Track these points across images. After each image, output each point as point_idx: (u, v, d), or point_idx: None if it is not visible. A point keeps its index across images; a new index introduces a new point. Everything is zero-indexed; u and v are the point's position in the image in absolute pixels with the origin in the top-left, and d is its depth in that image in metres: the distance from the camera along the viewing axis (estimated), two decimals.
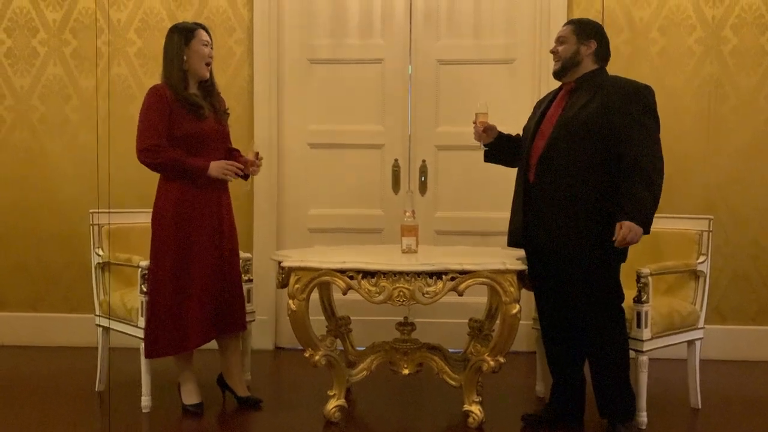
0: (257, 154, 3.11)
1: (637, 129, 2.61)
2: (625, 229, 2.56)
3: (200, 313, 2.96)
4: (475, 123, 2.94)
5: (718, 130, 3.97)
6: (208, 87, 3.09)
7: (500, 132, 2.98)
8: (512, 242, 2.88)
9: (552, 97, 2.87)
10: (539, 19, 4.03)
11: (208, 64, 3.03)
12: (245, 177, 3.14)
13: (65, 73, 4.20)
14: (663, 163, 2.64)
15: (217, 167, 2.96)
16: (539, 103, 2.98)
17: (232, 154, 3.17)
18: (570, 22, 2.85)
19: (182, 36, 2.99)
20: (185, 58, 2.98)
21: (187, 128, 2.95)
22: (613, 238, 2.59)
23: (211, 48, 3.06)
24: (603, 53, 2.78)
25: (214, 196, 3.03)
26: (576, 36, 2.75)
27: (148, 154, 2.93)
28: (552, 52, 2.83)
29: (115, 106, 4.18)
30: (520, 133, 3.00)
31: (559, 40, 2.80)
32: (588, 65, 2.76)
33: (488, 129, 2.95)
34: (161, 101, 2.94)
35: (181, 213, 2.96)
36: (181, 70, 2.99)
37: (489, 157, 3.06)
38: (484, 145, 3.00)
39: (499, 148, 3.00)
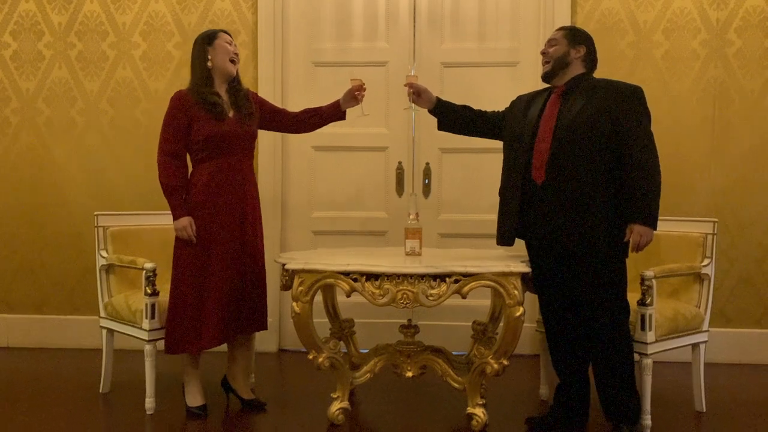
0: (359, 79, 3.27)
1: (637, 128, 2.68)
2: (635, 235, 2.66)
3: (217, 313, 2.98)
4: (406, 86, 3.12)
5: (723, 133, 3.96)
6: (234, 87, 3.12)
7: (440, 98, 3.13)
8: (503, 242, 2.89)
9: (544, 100, 2.88)
10: (543, 21, 4.03)
11: (233, 61, 3.07)
12: (342, 117, 3.34)
13: (71, 76, 4.22)
14: (659, 159, 2.71)
15: (180, 223, 2.98)
16: (523, 103, 2.96)
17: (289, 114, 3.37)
18: (561, 28, 2.94)
19: (205, 38, 3.08)
20: (209, 57, 3.03)
21: (206, 130, 2.99)
22: (626, 239, 2.68)
23: (236, 47, 3.12)
24: (591, 59, 2.86)
25: (237, 196, 3.05)
26: (567, 39, 2.84)
27: (161, 168, 3.01)
28: (542, 53, 2.90)
29: (119, 108, 4.20)
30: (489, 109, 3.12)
31: (550, 43, 2.88)
32: (576, 69, 2.83)
33: (419, 91, 3.11)
34: (176, 108, 3.00)
35: (203, 213, 3.00)
36: (205, 68, 3.04)
37: (442, 126, 3.18)
38: (431, 113, 3.14)
39: (447, 115, 3.13)
